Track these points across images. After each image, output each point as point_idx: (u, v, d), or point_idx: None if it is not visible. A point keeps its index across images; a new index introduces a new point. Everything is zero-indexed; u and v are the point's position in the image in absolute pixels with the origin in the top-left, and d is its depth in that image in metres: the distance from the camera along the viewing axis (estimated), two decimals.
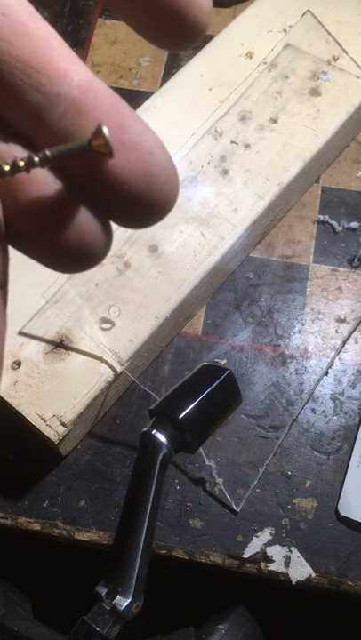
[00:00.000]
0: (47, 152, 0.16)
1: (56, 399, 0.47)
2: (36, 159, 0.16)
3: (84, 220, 0.17)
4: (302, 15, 0.59)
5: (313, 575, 0.49)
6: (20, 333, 0.49)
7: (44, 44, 0.16)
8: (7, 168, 0.16)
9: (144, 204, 0.17)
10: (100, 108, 0.16)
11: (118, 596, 0.38)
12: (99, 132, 0.15)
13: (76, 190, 0.17)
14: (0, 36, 0.15)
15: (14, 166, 0.16)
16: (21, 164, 0.16)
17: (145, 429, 0.41)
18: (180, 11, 0.16)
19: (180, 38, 0.17)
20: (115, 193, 0.16)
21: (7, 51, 0.16)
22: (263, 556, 0.50)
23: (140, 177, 0.16)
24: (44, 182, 0.16)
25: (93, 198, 0.17)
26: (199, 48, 0.60)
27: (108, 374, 0.48)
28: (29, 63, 0.16)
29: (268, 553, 0.50)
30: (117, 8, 0.17)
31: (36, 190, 0.16)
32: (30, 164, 0.16)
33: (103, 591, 0.38)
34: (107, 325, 0.50)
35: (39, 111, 0.16)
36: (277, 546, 0.50)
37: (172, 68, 0.68)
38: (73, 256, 0.17)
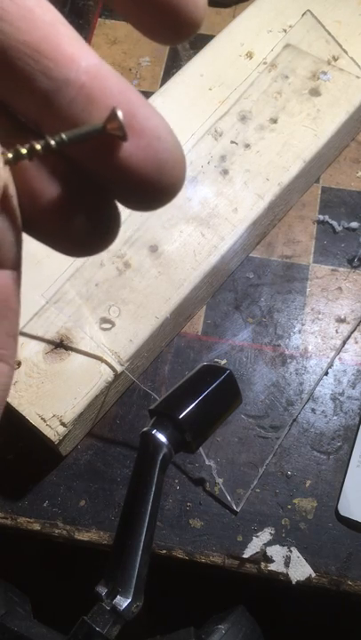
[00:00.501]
0: (63, 135, 0.16)
1: (56, 399, 0.47)
2: (52, 142, 0.16)
3: (95, 207, 0.17)
4: (302, 15, 0.59)
5: (313, 575, 0.49)
6: (20, 333, 0.49)
7: (52, 29, 0.16)
8: (24, 151, 0.16)
9: (152, 187, 0.17)
10: (109, 93, 0.16)
11: (118, 596, 0.38)
12: (113, 115, 0.16)
13: (85, 179, 0.17)
14: (8, 21, 0.16)
15: (31, 149, 0.16)
16: (38, 147, 0.16)
17: (145, 429, 0.41)
18: (175, 5, 0.16)
19: (175, 32, 0.17)
20: (124, 178, 0.17)
21: (15, 36, 0.16)
22: (263, 556, 0.50)
23: (149, 162, 0.16)
24: (55, 173, 0.17)
25: (102, 184, 0.17)
26: (199, 48, 0.60)
27: (108, 374, 0.48)
28: (37, 48, 0.16)
29: (268, 553, 0.50)
30: (115, 2, 0.17)
31: (47, 181, 0.17)
32: (47, 148, 0.16)
33: (103, 591, 0.38)
34: (107, 325, 0.50)
35: (48, 97, 0.16)
36: (277, 546, 0.50)
37: (172, 67, 0.68)
38: (84, 243, 0.18)
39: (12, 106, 0.17)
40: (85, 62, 0.16)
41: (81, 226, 0.17)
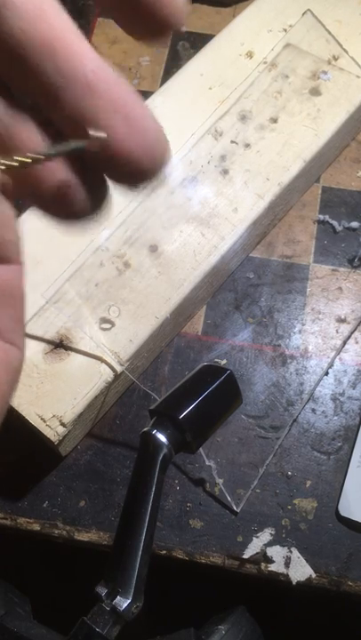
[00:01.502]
0: (52, 151, 0.19)
1: (56, 399, 0.47)
2: (42, 157, 0.19)
3: (91, 182, 0.20)
4: (302, 15, 0.59)
5: (313, 576, 0.49)
6: None
7: (62, 30, 0.18)
8: (16, 164, 0.19)
9: (140, 167, 0.19)
10: (111, 90, 0.18)
11: (118, 597, 0.37)
12: (94, 138, 0.18)
13: (82, 167, 0.20)
14: (26, 20, 0.17)
15: (24, 162, 0.19)
16: (29, 160, 0.19)
17: (145, 429, 0.41)
18: (156, 6, 0.18)
19: (155, 31, 0.19)
20: (117, 160, 0.19)
21: (33, 34, 0.18)
22: (263, 557, 0.50)
23: (139, 149, 0.19)
24: (58, 167, 0.20)
25: (99, 166, 0.20)
26: (199, 47, 0.60)
27: (107, 374, 0.48)
28: (51, 47, 0.18)
29: (269, 553, 0.50)
30: (100, 2, 0.19)
31: (53, 174, 0.20)
32: (36, 160, 0.19)
33: (103, 591, 0.38)
34: (107, 325, 0.50)
35: (58, 92, 0.18)
36: (278, 546, 0.50)
37: (172, 67, 0.68)
38: (83, 212, 0.21)
39: (25, 98, 0.19)
40: (91, 62, 0.18)
41: (80, 198, 0.20)
